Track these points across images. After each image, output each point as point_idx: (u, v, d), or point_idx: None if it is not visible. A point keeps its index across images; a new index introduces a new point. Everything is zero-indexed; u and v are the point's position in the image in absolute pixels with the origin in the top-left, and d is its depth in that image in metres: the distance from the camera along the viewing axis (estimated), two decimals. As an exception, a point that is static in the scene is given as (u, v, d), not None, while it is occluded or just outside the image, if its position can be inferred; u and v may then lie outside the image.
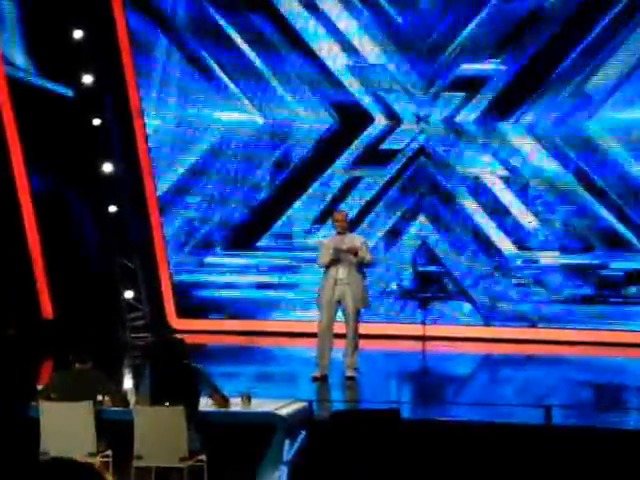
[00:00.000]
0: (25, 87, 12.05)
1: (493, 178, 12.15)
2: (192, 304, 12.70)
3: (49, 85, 11.84)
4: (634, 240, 11.86)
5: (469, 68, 12.04)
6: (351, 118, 12.35)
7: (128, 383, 9.65)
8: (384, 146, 12.34)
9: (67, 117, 12.04)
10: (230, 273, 12.65)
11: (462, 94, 12.10)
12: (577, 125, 11.89)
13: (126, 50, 12.36)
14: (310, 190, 12.48)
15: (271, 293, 12.57)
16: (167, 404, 7.12)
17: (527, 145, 12.03)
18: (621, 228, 11.89)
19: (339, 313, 9.72)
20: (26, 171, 12.30)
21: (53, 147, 12.13)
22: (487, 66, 11.97)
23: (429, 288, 12.16)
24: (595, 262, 11.94)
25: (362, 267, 9.68)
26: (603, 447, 7.52)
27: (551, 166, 12.02)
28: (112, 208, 12.23)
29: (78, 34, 12.01)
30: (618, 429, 7.97)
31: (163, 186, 12.65)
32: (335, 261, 9.55)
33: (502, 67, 11.94)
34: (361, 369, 9.71)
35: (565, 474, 7.48)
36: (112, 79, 12.24)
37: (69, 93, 11.86)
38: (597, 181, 11.93)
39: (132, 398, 7.55)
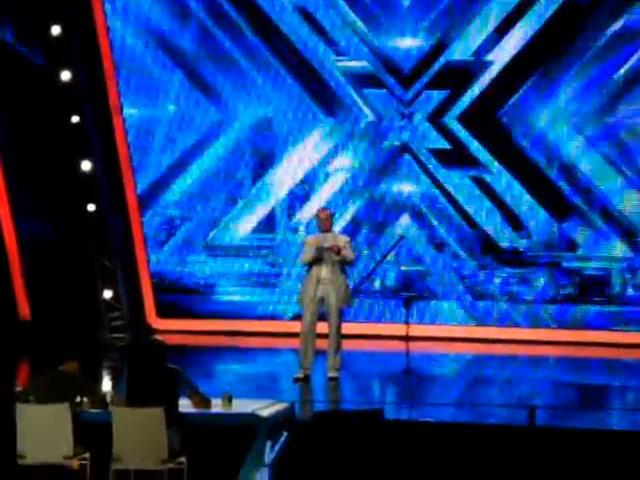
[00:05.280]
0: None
1: (476, 176, 12.11)
2: (172, 304, 12.60)
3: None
4: (617, 238, 11.86)
5: (454, 64, 12.00)
6: (336, 115, 12.28)
7: (107, 384, 9.55)
8: (368, 142, 12.27)
9: (45, 114, 11.93)
10: (211, 272, 12.56)
11: (447, 91, 12.06)
12: (560, 122, 11.87)
13: (105, 46, 12.26)
14: (293, 187, 12.40)
15: (253, 292, 12.48)
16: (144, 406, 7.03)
17: (512, 142, 12.01)
18: (604, 226, 11.88)
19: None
20: (3, 170, 12.19)
21: (30, 145, 12.02)
22: (472, 62, 11.96)
23: (412, 287, 12.12)
24: (579, 261, 11.93)
25: (345, 266, 9.61)
26: (586, 448, 7.49)
27: (536, 164, 11.99)
28: (91, 206, 12.13)
29: (56, 30, 11.91)
30: (601, 430, 7.92)
31: (143, 184, 12.55)
32: (318, 260, 9.48)
33: (487, 63, 11.94)
34: (343, 369, 9.65)
35: (548, 475, 7.44)
36: (91, 76, 12.14)
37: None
38: (582, 180, 11.92)
39: (111, 399, 7.45)
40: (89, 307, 12.18)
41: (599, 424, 8.25)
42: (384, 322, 12.21)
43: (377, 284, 12.29)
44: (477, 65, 12.00)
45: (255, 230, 12.52)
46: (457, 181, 12.15)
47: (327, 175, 12.39)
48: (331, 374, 9.57)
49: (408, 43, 12.11)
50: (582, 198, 11.94)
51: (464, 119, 12.07)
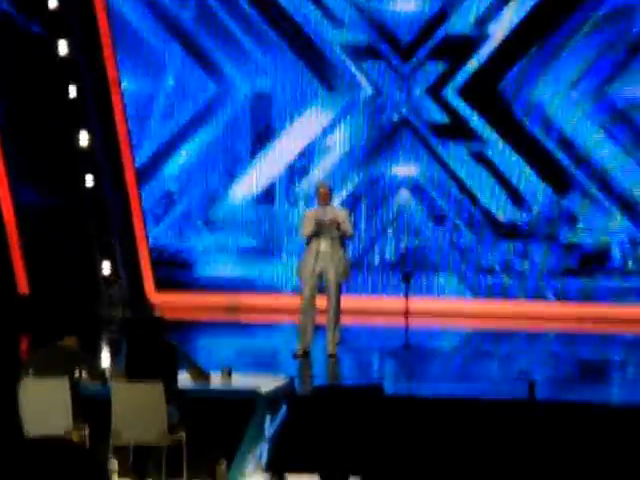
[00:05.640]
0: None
1: (476, 149, 12.07)
2: (171, 278, 12.58)
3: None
4: (617, 211, 11.84)
5: (454, 35, 11.94)
6: (334, 88, 12.22)
7: (106, 359, 9.54)
8: (367, 116, 12.22)
9: (43, 87, 11.87)
10: (210, 246, 12.53)
11: (446, 64, 12.00)
12: (561, 95, 11.83)
13: (103, 18, 12.19)
14: (292, 160, 12.36)
15: (252, 266, 12.46)
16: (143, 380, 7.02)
17: (512, 115, 11.96)
18: (604, 199, 11.87)
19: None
20: (1, 144, 12.13)
21: (28, 118, 11.96)
22: (472, 34, 11.91)
23: (412, 261, 12.11)
24: (579, 235, 11.92)
25: (344, 240, 9.57)
26: (586, 421, 7.49)
27: (536, 137, 11.95)
28: (89, 181, 12.09)
29: (54, 3, 11.84)
30: (601, 403, 7.92)
31: (141, 158, 12.50)
32: (317, 234, 9.44)
33: (487, 35, 11.88)
34: (342, 344, 9.64)
35: (548, 448, 7.44)
36: (89, 48, 12.07)
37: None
38: (581, 153, 11.90)
39: (110, 374, 7.45)
40: (88, 282, 12.17)
41: (599, 397, 8.25)
42: (383, 296, 12.19)
43: (376, 258, 12.27)
44: (477, 37, 11.94)
45: (254, 204, 12.48)
46: (457, 155, 12.11)
47: (326, 149, 12.35)
48: (330, 349, 9.55)
49: (407, 15, 12.03)
50: (582, 171, 11.91)
51: (464, 92, 12.01)
